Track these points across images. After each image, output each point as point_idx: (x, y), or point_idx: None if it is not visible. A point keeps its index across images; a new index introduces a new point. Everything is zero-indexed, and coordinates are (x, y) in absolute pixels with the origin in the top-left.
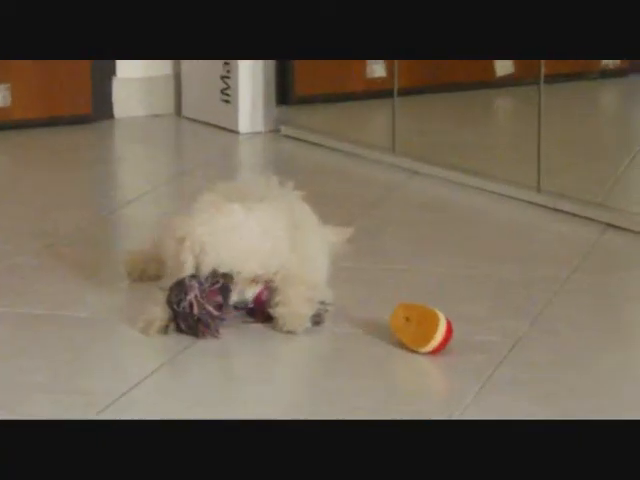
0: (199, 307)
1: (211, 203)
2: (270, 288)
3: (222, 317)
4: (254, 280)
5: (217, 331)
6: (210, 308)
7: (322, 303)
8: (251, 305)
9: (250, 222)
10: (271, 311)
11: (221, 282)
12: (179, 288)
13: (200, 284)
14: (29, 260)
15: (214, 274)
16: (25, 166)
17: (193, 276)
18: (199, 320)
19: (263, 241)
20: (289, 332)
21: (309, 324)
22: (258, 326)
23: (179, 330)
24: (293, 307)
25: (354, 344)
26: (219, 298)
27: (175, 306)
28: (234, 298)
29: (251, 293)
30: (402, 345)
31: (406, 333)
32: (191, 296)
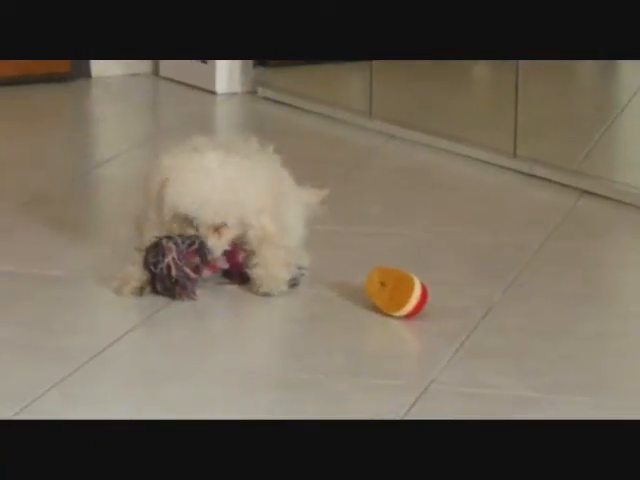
0: (177, 269)
1: (195, 146)
2: (247, 250)
3: (199, 278)
4: (217, 230)
5: (194, 292)
6: (188, 270)
7: (299, 268)
8: (226, 266)
9: (221, 170)
10: (248, 272)
11: (197, 243)
12: (156, 250)
13: (177, 245)
14: (3, 218)
15: (188, 237)
16: (1, 125)
17: (169, 237)
18: (176, 282)
19: (227, 191)
20: (265, 294)
21: (285, 287)
22: (233, 288)
23: (155, 292)
24: (270, 269)
25: (329, 307)
26: (196, 259)
27: (152, 267)
28: (209, 242)
29: (211, 243)
30: (377, 309)
31: (381, 297)
32: (169, 258)
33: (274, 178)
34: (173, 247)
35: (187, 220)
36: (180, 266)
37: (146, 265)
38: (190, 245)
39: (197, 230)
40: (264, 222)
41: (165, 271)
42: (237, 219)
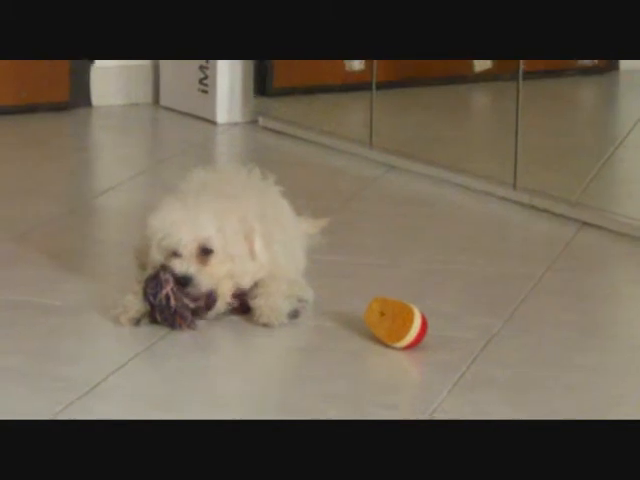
0: (175, 299)
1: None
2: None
3: (198, 311)
4: (202, 259)
5: (194, 323)
6: (186, 300)
7: (301, 300)
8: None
9: (196, 202)
10: (250, 302)
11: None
12: (154, 281)
13: (175, 277)
14: (4, 247)
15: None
16: (1, 153)
17: (166, 268)
18: (176, 312)
19: (199, 213)
20: (265, 325)
21: (286, 319)
22: (234, 318)
23: (154, 321)
24: (272, 301)
25: (329, 338)
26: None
27: (151, 298)
28: (177, 269)
29: (194, 269)
30: (377, 340)
31: (381, 328)
32: (167, 289)
33: (267, 210)
34: (170, 278)
35: (172, 253)
36: (179, 296)
37: (145, 296)
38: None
39: (178, 257)
40: (262, 259)
41: (164, 301)
42: (221, 244)
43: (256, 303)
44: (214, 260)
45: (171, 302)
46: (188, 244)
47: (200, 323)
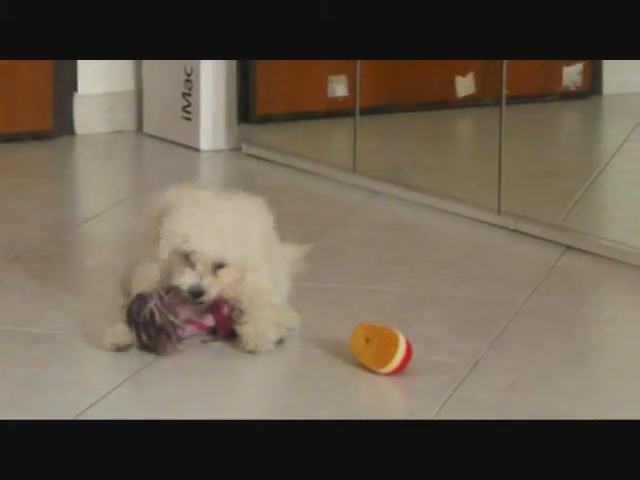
0: (160, 315)
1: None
2: (232, 305)
3: (183, 328)
4: (214, 271)
5: (178, 342)
6: (172, 317)
7: (288, 328)
8: (212, 323)
9: (223, 207)
10: (237, 328)
11: (182, 297)
12: (139, 300)
13: (160, 297)
14: None
15: (175, 290)
16: None
17: (152, 290)
18: (161, 329)
19: (227, 227)
20: (251, 352)
21: (272, 347)
22: (219, 345)
23: (141, 345)
24: (260, 328)
25: (314, 364)
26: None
27: (136, 316)
28: (190, 281)
29: (207, 283)
30: (362, 366)
31: (366, 354)
32: (151, 304)
33: (269, 229)
34: (156, 296)
35: (184, 256)
36: (164, 312)
37: (130, 316)
38: (175, 296)
39: (194, 268)
40: (257, 276)
41: (148, 318)
42: (236, 259)
43: (243, 330)
44: (225, 272)
45: (156, 318)
46: (207, 258)
47: (184, 349)
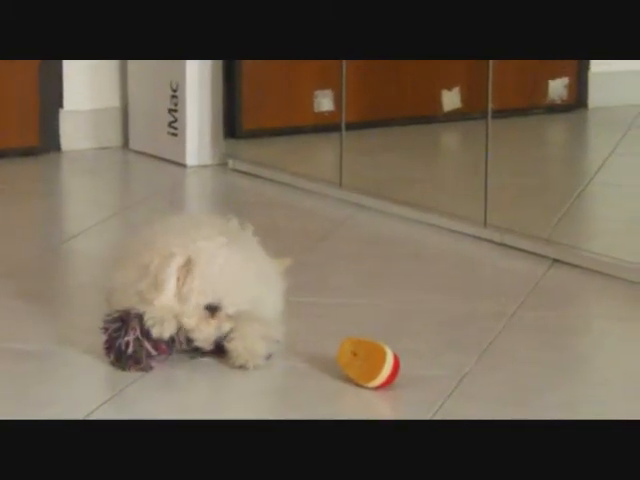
0: (135, 346)
1: (201, 230)
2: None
3: (163, 353)
4: (232, 315)
5: (150, 366)
6: (149, 347)
7: (277, 342)
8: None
9: (237, 255)
10: (226, 344)
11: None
12: (121, 323)
13: (142, 326)
14: None
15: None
16: None
17: (138, 315)
18: (130, 357)
19: (252, 279)
20: (241, 367)
21: (262, 361)
22: (206, 360)
23: (107, 358)
24: (249, 343)
25: (301, 379)
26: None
27: (111, 338)
28: (214, 334)
29: (228, 327)
30: (349, 380)
31: (353, 368)
32: (130, 337)
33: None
34: (137, 327)
35: (210, 310)
36: (140, 342)
37: (106, 332)
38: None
39: (214, 318)
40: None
41: (123, 346)
42: (251, 308)
43: (232, 345)
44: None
45: (129, 350)
46: (230, 312)
47: (174, 366)
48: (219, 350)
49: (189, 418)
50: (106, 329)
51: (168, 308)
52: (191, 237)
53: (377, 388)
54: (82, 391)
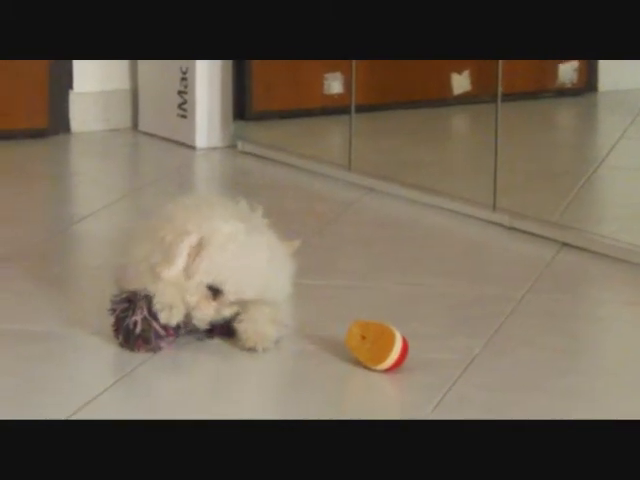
0: (143, 325)
1: (217, 212)
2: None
3: (170, 336)
4: (236, 301)
5: (158, 347)
6: (157, 327)
7: (285, 326)
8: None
9: (257, 246)
10: (235, 326)
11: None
12: (128, 304)
13: (149, 305)
14: None
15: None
16: None
17: (146, 296)
18: (139, 336)
19: (262, 270)
20: (250, 349)
21: (271, 345)
22: (215, 342)
23: (116, 339)
24: (259, 326)
25: (310, 362)
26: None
27: (119, 318)
28: (212, 315)
29: (229, 313)
30: (358, 363)
31: (362, 351)
32: (137, 317)
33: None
34: (144, 307)
35: (213, 291)
36: (149, 321)
37: (113, 313)
38: None
39: (216, 301)
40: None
41: (131, 326)
42: (257, 295)
43: (241, 327)
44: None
45: (137, 329)
46: (234, 296)
47: (182, 347)
48: (228, 332)
49: (198, 400)
50: (114, 310)
51: (174, 284)
52: (208, 218)
53: (386, 371)
54: (90, 373)
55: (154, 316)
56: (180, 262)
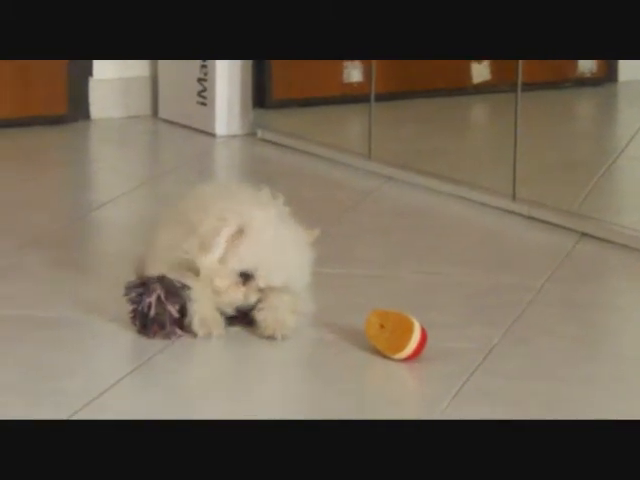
0: (158, 308)
1: (257, 201)
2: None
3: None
4: (263, 288)
5: (173, 333)
6: (171, 309)
7: (304, 315)
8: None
9: (290, 234)
10: (255, 314)
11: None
12: (142, 288)
13: (165, 287)
14: (1, 260)
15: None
16: None
17: (159, 278)
18: (154, 320)
19: (294, 258)
20: (269, 337)
21: (290, 333)
22: (234, 330)
23: (134, 326)
24: (279, 314)
25: (328, 350)
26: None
27: (134, 303)
28: (240, 301)
29: (254, 299)
30: (376, 352)
31: (380, 340)
32: (152, 298)
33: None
34: (158, 287)
35: (244, 277)
36: (163, 304)
37: (129, 299)
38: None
39: (245, 286)
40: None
41: (146, 309)
42: (284, 283)
43: (260, 315)
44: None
45: (151, 311)
46: (263, 283)
47: (199, 336)
48: (247, 320)
49: (215, 388)
50: (128, 294)
51: (209, 297)
52: (244, 205)
53: (404, 360)
54: (107, 360)
55: (168, 297)
56: (218, 251)
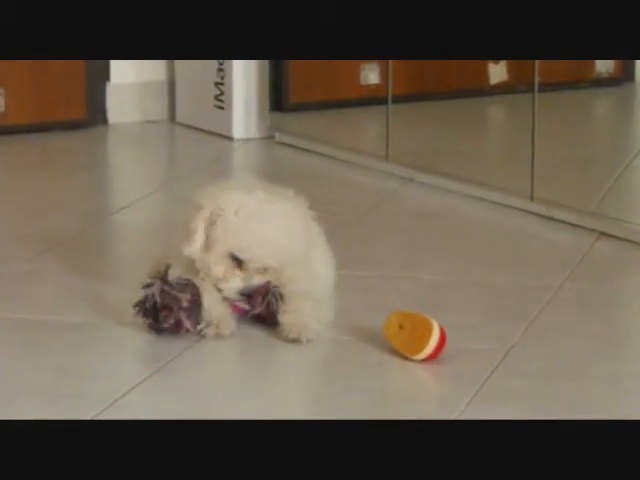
0: (162, 296)
1: (241, 185)
2: (270, 290)
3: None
4: (264, 270)
5: (181, 322)
6: (180, 295)
7: (328, 322)
8: (247, 307)
9: (273, 212)
10: (279, 317)
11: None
12: (145, 289)
13: (165, 282)
14: (21, 265)
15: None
16: (18, 171)
17: (163, 276)
18: (162, 308)
19: (280, 234)
20: (294, 340)
21: (313, 336)
22: (253, 332)
23: (145, 322)
24: (302, 317)
25: (348, 351)
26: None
27: (144, 303)
28: (240, 285)
29: (257, 281)
30: (396, 352)
31: (400, 340)
32: (154, 288)
33: (308, 223)
34: (159, 282)
35: (236, 260)
36: (167, 292)
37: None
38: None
39: (241, 270)
40: (293, 274)
41: (151, 302)
42: (283, 263)
43: (285, 319)
44: (270, 272)
45: (156, 300)
46: (257, 264)
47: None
48: (270, 319)
49: (234, 389)
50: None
51: (220, 300)
52: (221, 189)
53: (423, 361)
54: (128, 363)
55: (171, 285)
56: (198, 237)
